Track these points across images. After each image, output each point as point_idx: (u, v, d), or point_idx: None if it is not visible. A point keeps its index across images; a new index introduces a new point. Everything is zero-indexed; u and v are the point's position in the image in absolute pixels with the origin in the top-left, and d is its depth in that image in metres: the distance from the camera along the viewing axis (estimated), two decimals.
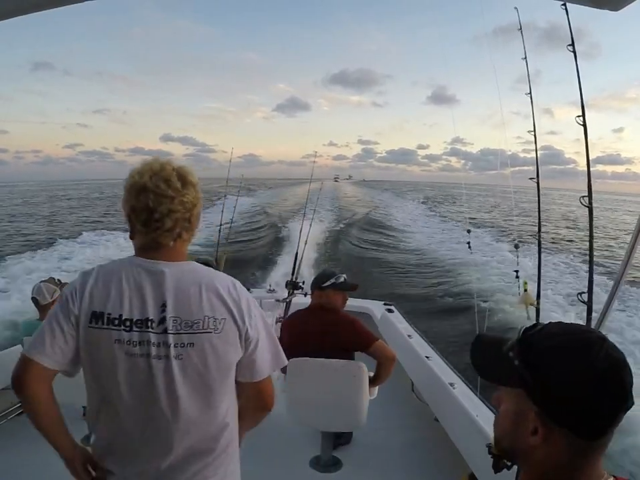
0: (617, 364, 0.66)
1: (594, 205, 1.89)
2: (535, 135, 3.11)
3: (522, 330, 0.74)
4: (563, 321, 0.75)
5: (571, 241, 21.45)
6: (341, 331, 2.60)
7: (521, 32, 3.05)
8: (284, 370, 2.67)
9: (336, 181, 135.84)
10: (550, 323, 0.74)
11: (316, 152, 6.62)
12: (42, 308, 2.77)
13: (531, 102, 3.03)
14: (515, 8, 3.08)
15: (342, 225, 22.45)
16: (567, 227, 27.25)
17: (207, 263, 3.31)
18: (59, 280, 2.93)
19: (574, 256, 15.43)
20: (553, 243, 18.92)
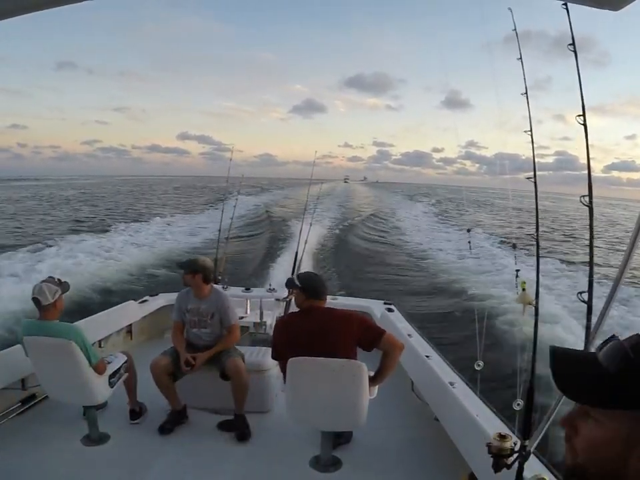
0: None
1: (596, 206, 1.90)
2: (531, 135, 3.12)
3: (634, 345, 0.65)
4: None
5: (572, 238, 21.49)
6: (349, 326, 2.59)
7: (516, 32, 3.05)
8: (283, 370, 2.67)
9: (345, 182, 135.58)
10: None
11: (316, 151, 6.63)
12: (43, 308, 2.76)
13: (527, 101, 3.03)
14: (509, 9, 3.08)
15: (344, 225, 22.44)
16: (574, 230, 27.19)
17: (195, 261, 3.29)
18: (58, 279, 2.92)
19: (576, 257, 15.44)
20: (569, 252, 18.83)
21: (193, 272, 3.25)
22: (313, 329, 2.60)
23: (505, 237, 19.62)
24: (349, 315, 2.67)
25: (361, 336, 2.59)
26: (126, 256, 13.84)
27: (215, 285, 3.54)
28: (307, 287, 2.74)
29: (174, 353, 3.21)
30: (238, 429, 3.11)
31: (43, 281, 2.83)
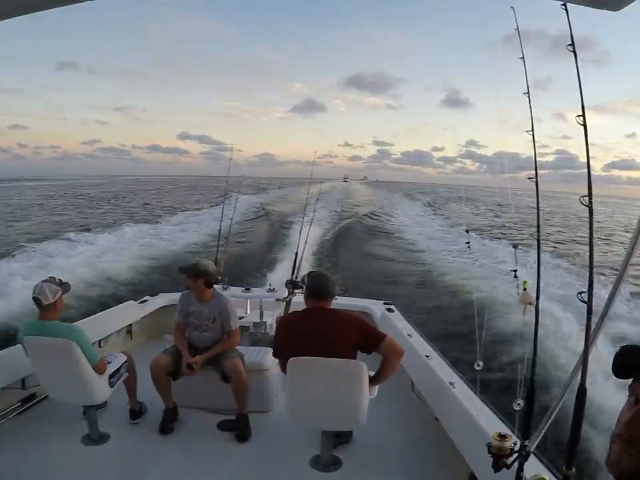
0: None
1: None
2: (533, 135, 3.12)
3: None
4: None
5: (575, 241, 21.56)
6: (349, 329, 2.60)
7: (518, 31, 3.05)
8: (284, 369, 2.67)
9: (345, 181, 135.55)
10: None
11: (316, 151, 6.64)
12: (43, 308, 2.76)
13: (529, 101, 3.03)
14: (512, 7, 3.08)
15: (343, 225, 22.44)
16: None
17: (196, 266, 3.26)
18: (59, 280, 2.91)
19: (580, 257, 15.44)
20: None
21: (194, 276, 3.24)
22: (313, 329, 2.61)
23: (504, 236, 19.66)
24: (349, 317, 2.67)
25: (361, 339, 2.59)
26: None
27: (217, 288, 3.52)
28: (308, 287, 2.76)
29: (175, 352, 3.22)
30: (238, 429, 3.12)
31: (44, 281, 2.83)
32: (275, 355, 2.86)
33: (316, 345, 2.52)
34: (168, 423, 3.14)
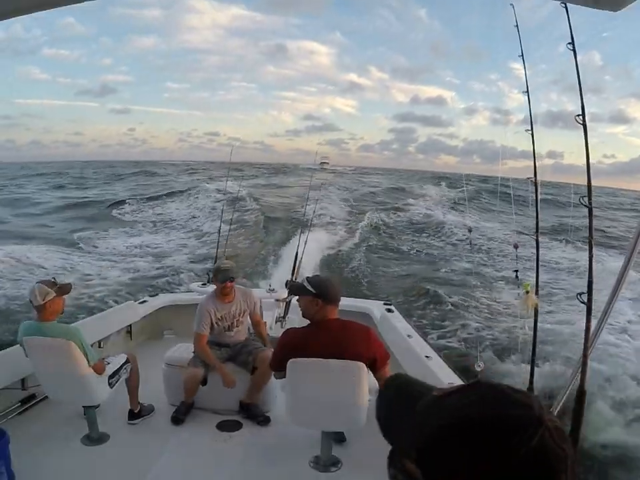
0: (547, 461, 0.44)
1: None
2: (532, 134, 3.11)
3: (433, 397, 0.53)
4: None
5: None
6: (368, 344, 2.50)
7: (517, 28, 3.04)
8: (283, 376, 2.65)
9: (323, 167, 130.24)
10: (477, 382, 0.53)
11: (319, 143, 6.62)
12: (37, 309, 2.75)
13: (528, 100, 3.03)
14: (511, 5, 3.08)
15: (343, 225, 22.34)
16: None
17: (232, 267, 3.37)
18: (55, 281, 2.85)
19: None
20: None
21: (234, 279, 3.40)
22: (329, 347, 2.45)
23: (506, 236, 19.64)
24: (367, 331, 2.54)
25: (371, 362, 2.50)
26: None
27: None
28: (322, 292, 2.50)
29: (202, 363, 3.29)
30: (258, 416, 3.25)
31: (38, 282, 2.80)
32: (276, 369, 2.67)
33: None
34: (181, 414, 3.24)
